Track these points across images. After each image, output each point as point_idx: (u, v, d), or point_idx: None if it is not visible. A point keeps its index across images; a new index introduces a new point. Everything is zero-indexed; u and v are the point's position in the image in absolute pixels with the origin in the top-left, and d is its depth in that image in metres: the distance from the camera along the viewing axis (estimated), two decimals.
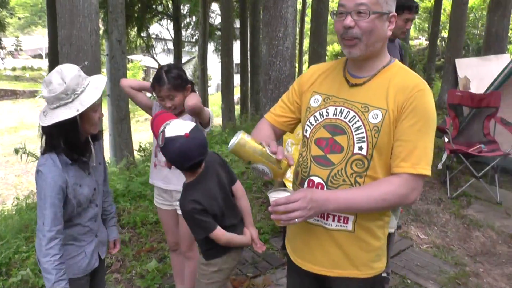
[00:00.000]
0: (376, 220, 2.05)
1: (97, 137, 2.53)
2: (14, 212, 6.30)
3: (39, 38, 43.55)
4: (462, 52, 11.58)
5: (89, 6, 4.26)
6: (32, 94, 32.01)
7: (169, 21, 20.87)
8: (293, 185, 2.19)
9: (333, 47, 29.74)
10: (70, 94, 2.21)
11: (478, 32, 25.25)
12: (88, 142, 2.45)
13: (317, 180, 2.01)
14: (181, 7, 20.37)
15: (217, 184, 2.69)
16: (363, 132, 1.93)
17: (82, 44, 4.33)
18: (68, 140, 2.28)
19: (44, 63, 37.96)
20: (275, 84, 5.79)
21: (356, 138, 1.94)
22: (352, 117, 1.97)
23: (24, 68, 39.56)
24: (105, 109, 11.53)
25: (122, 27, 9.58)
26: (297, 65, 23.79)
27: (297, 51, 23.93)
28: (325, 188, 1.98)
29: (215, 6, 21.97)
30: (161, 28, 22.64)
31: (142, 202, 5.41)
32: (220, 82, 28.84)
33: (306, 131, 2.10)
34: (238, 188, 2.87)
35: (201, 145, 2.45)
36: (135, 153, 9.76)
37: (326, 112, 2.05)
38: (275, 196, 1.84)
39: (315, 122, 2.07)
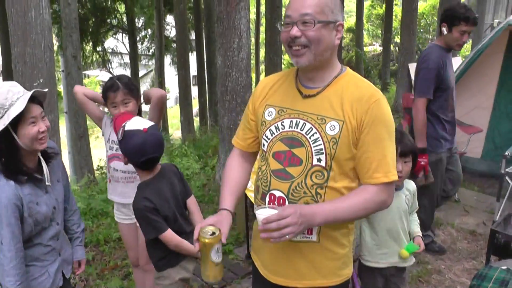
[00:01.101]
0: (340, 228, 2.07)
1: (49, 154, 2.45)
2: None
3: None
4: (415, 57, 11.85)
5: (42, 22, 4.21)
6: None
7: (124, 34, 20.74)
8: (255, 199, 2.20)
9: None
10: None
11: (430, 37, 25.90)
12: (39, 159, 2.40)
13: (278, 194, 2.03)
14: (136, 20, 20.28)
15: (170, 190, 2.70)
16: (321, 144, 1.95)
17: (36, 61, 4.27)
18: (7, 158, 2.23)
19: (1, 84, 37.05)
20: (232, 95, 5.83)
21: (315, 150, 1.95)
22: (308, 129, 1.98)
23: None
24: (63, 126, 11.37)
25: (77, 43, 9.46)
26: (254, 75, 23.97)
27: (253, 61, 24.11)
28: (286, 202, 1.99)
29: (170, 19, 21.89)
30: (117, 42, 22.46)
31: (104, 220, 5.35)
32: (178, 95, 28.78)
33: (264, 145, 2.10)
34: (192, 202, 2.89)
35: (157, 142, 2.54)
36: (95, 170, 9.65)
37: (282, 125, 2.05)
38: (263, 213, 1.82)
39: (271, 135, 2.07)
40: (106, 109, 3.42)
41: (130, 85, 3.19)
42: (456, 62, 9.22)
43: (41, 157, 2.41)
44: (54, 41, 14.73)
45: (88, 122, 10.07)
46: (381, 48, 20.67)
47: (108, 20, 18.67)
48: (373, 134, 1.93)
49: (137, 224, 3.21)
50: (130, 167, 3.12)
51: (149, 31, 21.74)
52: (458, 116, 6.54)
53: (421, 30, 25.72)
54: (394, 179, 1.95)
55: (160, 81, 17.22)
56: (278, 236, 1.77)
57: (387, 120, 1.96)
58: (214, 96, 15.36)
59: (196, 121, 18.17)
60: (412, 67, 9.98)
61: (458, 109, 6.61)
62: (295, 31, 1.90)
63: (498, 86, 6.69)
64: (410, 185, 3.11)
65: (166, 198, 2.65)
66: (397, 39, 23.33)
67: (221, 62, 5.84)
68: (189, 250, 2.73)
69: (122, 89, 3.12)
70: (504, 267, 2.87)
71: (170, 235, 2.64)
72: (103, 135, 3.49)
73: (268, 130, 2.09)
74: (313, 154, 1.96)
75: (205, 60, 16.38)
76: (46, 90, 2.40)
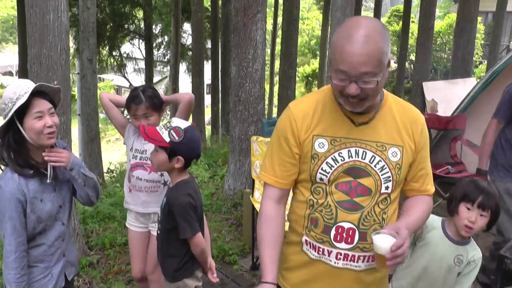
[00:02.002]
0: None
1: None
2: None
3: (9, 55, 42.78)
4: (429, 75, 11.82)
5: (59, 25, 4.23)
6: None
7: (141, 40, 20.87)
8: (307, 232, 2.06)
9: (304, 69, 30.05)
10: (7, 103, 2.21)
11: (446, 55, 25.84)
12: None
13: (347, 225, 1.96)
14: (153, 27, 20.39)
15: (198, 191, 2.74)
16: (388, 172, 1.95)
17: (52, 63, 4.28)
18: (15, 150, 2.27)
19: (15, 80, 37.36)
20: (244, 105, 5.84)
21: (383, 178, 1.95)
22: (371, 158, 1.94)
23: None
24: (75, 128, 11.43)
25: (93, 46, 9.53)
26: (268, 86, 24.01)
27: (268, 73, 24.15)
28: (356, 232, 1.96)
29: (187, 26, 21.99)
30: (133, 48, 22.60)
31: (111, 224, 5.35)
32: None
33: (322, 179, 1.97)
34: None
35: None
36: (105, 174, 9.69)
37: (340, 156, 1.95)
38: (384, 240, 1.84)
39: (331, 169, 1.95)
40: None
41: (153, 98, 3.17)
42: (471, 83, 9.23)
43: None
44: (71, 44, 14.87)
45: (100, 126, 10.13)
46: (396, 65, 20.68)
47: (126, 26, 18.80)
48: (425, 152, 2.07)
49: (152, 233, 3.31)
50: (155, 176, 3.23)
51: (166, 38, 21.87)
52: (471, 138, 6.55)
53: (437, 49, 25.69)
54: None
55: (174, 88, 17.25)
56: (401, 260, 1.84)
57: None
58: (227, 106, 15.39)
59: (208, 129, 18.21)
60: (426, 85, 10.00)
61: (471, 131, 6.63)
62: (354, 89, 1.77)
63: None
64: (474, 253, 2.69)
65: (200, 199, 2.70)
66: (412, 57, 23.30)
67: (235, 72, 5.86)
68: (207, 259, 2.78)
69: (144, 103, 3.12)
70: None
71: (201, 238, 2.66)
72: (124, 143, 3.47)
73: (324, 163, 1.96)
74: (382, 182, 1.96)
75: (219, 70, 16.44)
76: (57, 86, 2.41)
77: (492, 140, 4.03)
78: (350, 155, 1.95)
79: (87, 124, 9.67)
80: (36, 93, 2.25)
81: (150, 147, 3.20)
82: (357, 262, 2.01)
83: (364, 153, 1.95)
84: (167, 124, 2.59)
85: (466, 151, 6.64)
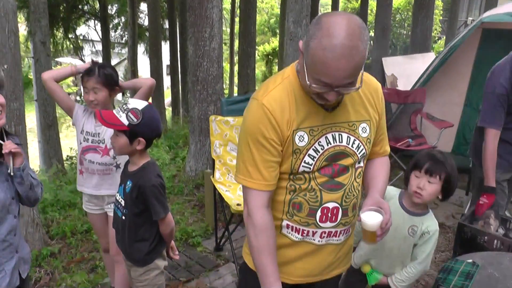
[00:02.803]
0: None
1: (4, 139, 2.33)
2: None
3: None
4: (388, 51, 11.93)
5: (5, 5, 4.05)
6: None
7: (96, 21, 20.43)
8: (291, 218, 2.04)
9: (264, 48, 29.93)
10: None
11: (405, 32, 26.12)
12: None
13: (332, 205, 1.98)
14: (109, 7, 19.96)
15: None
16: (363, 149, 2.00)
17: (0, 47, 4.14)
18: None
19: None
20: (202, 85, 5.77)
21: (360, 156, 2.00)
22: (347, 139, 1.95)
23: None
24: (33, 115, 11.14)
25: (46, 28, 9.21)
26: (229, 65, 23.87)
27: (228, 52, 24.00)
28: (340, 210, 1.99)
29: (143, 6, 21.60)
30: (89, 29, 22.11)
31: (71, 211, 5.24)
32: None
33: (304, 171, 1.92)
34: None
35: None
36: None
37: (320, 145, 1.91)
38: (372, 218, 1.93)
39: (313, 160, 1.92)
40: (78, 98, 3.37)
41: (107, 75, 3.13)
42: (429, 58, 9.34)
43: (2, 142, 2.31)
44: (24, 27, 14.45)
45: (58, 111, 9.89)
46: None
47: (80, 6, 18.34)
48: (383, 118, 2.12)
49: (108, 214, 3.33)
50: (107, 159, 3.24)
51: (122, 18, 21.46)
52: (430, 111, 6.65)
53: (396, 25, 25.92)
54: None
55: (133, 70, 17.00)
56: (386, 233, 1.99)
57: None
58: (187, 86, 15.23)
59: (169, 111, 18.03)
60: (386, 61, 10.08)
61: (431, 104, 6.74)
62: (334, 97, 1.75)
63: (470, 82, 6.77)
64: (429, 224, 2.72)
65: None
66: (371, 33, 23.51)
67: (192, 51, 5.76)
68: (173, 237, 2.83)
69: (96, 77, 3.09)
70: (469, 260, 2.86)
71: (171, 217, 2.69)
72: (73, 125, 3.41)
73: (306, 156, 1.91)
74: (359, 159, 2.01)
75: (178, 50, 16.23)
76: None
77: (494, 152, 3.64)
78: (328, 141, 1.93)
79: (43, 110, 9.41)
80: None
81: (103, 130, 3.19)
82: (338, 236, 2.08)
83: (340, 136, 1.94)
84: (124, 106, 2.52)
85: (426, 124, 6.76)
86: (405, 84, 8.88)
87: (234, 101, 4.78)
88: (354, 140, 1.96)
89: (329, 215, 1.99)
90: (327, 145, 1.92)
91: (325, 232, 2.03)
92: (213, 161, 4.45)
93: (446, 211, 5.68)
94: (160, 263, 2.78)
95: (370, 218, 1.91)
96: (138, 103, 2.53)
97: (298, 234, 2.04)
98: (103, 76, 3.11)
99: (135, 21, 17.20)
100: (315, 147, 1.91)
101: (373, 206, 1.94)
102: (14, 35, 4.26)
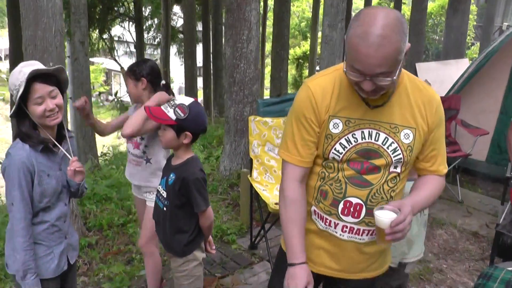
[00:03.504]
0: None
1: (63, 134, 2.51)
2: None
3: None
4: (422, 57, 11.81)
5: (53, 7, 4.20)
6: None
7: (131, 23, 20.70)
8: (317, 203, 2.13)
9: (294, 51, 29.91)
10: (13, 90, 2.28)
11: (437, 37, 25.82)
12: (60, 134, 2.48)
13: (355, 201, 2.02)
14: (143, 9, 20.22)
15: None
16: (400, 154, 1.98)
17: (47, 45, 4.26)
18: (23, 125, 2.34)
19: (3, 65, 36.79)
20: (239, 86, 5.84)
21: (395, 160, 1.99)
22: (384, 139, 1.97)
23: None
24: (68, 112, 11.35)
25: (85, 29, 9.43)
26: (259, 68, 23.89)
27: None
28: (364, 208, 2.02)
29: (176, 9, 21.86)
30: (123, 30, 22.41)
31: (108, 205, 5.36)
32: (182, 85, 28.61)
33: (334, 158, 2.01)
34: None
35: None
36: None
37: (354, 137, 1.97)
38: (385, 216, 1.87)
39: (344, 149, 1.99)
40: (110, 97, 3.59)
41: (131, 68, 3.41)
42: (463, 64, 9.25)
43: (66, 134, 2.50)
44: None
45: (95, 109, 10.06)
46: None
47: (116, 8, 18.62)
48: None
49: (147, 204, 3.49)
50: (137, 151, 3.43)
51: (156, 20, 21.71)
52: (466, 118, 6.60)
53: (428, 30, 25.66)
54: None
55: (165, 71, 17.18)
56: (401, 236, 1.86)
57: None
58: (219, 88, 15.37)
59: None
60: (419, 66, 10.01)
61: (465, 112, 6.69)
62: (369, 86, 1.79)
63: (506, 90, 6.68)
64: None
65: None
66: None
67: (229, 53, 5.84)
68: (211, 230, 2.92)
69: (124, 73, 3.47)
70: (510, 268, 2.86)
71: (211, 210, 2.79)
72: None
73: (337, 144, 1.99)
74: (393, 163, 2.00)
75: (211, 52, 16.35)
76: (58, 66, 2.41)
77: None
78: (363, 136, 1.97)
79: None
80: (36, 77, 2.27)
81: None
82: (362, 235, 2.08)
83: (377, 134, 1.97)
84: (171, 102, 2.63)
85: (461, 131, 6.70)
86: (438, 91, 8.68)
87: (270, 103, 4.84)
88: (392, 142, 1.96)
89: (351, 210, 2.03)
90: (361, 139, 1.97)
91: (346, 227, 2.07)
92: (251, 160, 4.51)
93: (480, 220, 5.65)
94: (198, 255, 2.87)
95: (383, 214, 1.87)
96: (184, 99, 2.64)
97: (322, 222, 2.13)
98: (129, 68, 3.42)
99: (168, 22, 17.39)
100: (348, 137, 1.97)
101: (393, 207, 1.89)
102: (60, 35, 4.39)
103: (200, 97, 19.17)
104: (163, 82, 3.44)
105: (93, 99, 13.38)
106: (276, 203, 3.99)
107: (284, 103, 4.75)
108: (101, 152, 10.11)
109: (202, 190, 2.66)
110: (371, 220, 2.02)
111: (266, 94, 20.81)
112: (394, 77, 1.77)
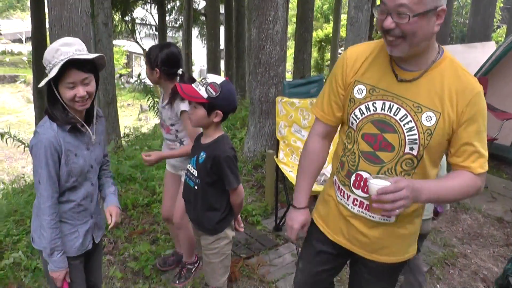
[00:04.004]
0: (417, 209, 2.13)
1: (92, 114, 2.49)
2: (0, 197, 6.24)
3: (18, 22, 42.45)
4: (448, 39, 11.65)
5: None
6: (13, 79, 31.33)
7: (153, 5, 20.67)
8: (337, 173, 2.21)
9: (317, 34, 29.65)
10: (47, 64, 2.25)
11: (462, 20, 25.41)
12: (89, 115, 2.47)
13: (365, 175, 2.04)
14: None
15: None
16: (415, 134, 1.92)
17: (73, 25, 4.28)
18: (53, 104, 2.32)
19: (25, 47, 37.13)
20: (264, 67, 5.81)
21: (408, 139, 1.93)
22: (403, 116, 1.94)
23: (3, 53, 38.52)
24: None
25: (108, 10, 9.44)
26: None
27: None
28: None
29: None
30: (146, 13, 22.40)
31: (132, 185, 5.39)
32: (203, 67, 28.57)
33: (352, 123, 2.07)
34: None
35: None
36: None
37: (374, 106, 1.99)
38: (377, 183, 1.81)
39: (361, 115, 2.02)
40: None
41: (149, 55, 3.37)
42: (490, 48, 9.08)
43: (95, 114, 2.49)
44: None
45: (116, 91, 10.13)
46: None
47: None
48: (473, 127, 1.90)
49: (182, 180, 3.48)
50: (170, 136, 3.50)
51: (178, 2, 21.64)
52: (492, 102, 6.49)
53: (454, 13, 25.25)
54: (487, 168, 1.97)
55: (187, 53, 17.17)
56: (390, 208, 1.77)
57: (485, 114, 1.94)
58: (241, 70, 15.32)
59: None
60: (445, 49, 9.87)
61: (492, 95, 6.58)
62: (389, 22, 1.81)
63: None
64: None
65: None
66: None
67: (255, 34, 5.81)
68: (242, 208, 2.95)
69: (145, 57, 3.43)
70: None
71: (242, 187, 2.79)
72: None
73: (357, 109, 2.03)
74: (407, 142, 1.94)
75: (233, 34, 16.29)
76: (98, 55, 2.35)
77: None
78: (383, 107, 1.97)
79: (104, 88, 9.63)
80: (72, 63, 2.22)
81: (163, 110, 3.46)
82: (370, 211, 2.10)
83: (398, 109, 1.94)
84: (203, 80, 2.61)
85: (488, 115, 6.59)
86: None
87: (296, 84, 4.81)
88: (410, 121, 1.92)
89: (362, 184, 2.06)
90: (380, 110, 1.98)
91: (357, 200, 2.11)
92: (277, 141, 4.50)
93: (505, 205, 5.59)
94: (229, 233, 2.88)
95: (376, 182, 1.83)
96: (216, 78, 2.61)
97: (338, 192, 2.20)
98: (146, 54, 3.39)
99: (190, 5, 17.32)
100: (367, 105, 2.01)
101: (392, 179, 1.82)
102: (86, 16, 4.40)
103: None
104: (180, 71, 3.37)
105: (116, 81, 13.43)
106: None
107: (310, 85, 4.73)
108: (123, 133, 10.16)
109: (233, 167, 2.66)
110: None
111: (288, 76, 20.69)
112: (412, 14, 1.75)
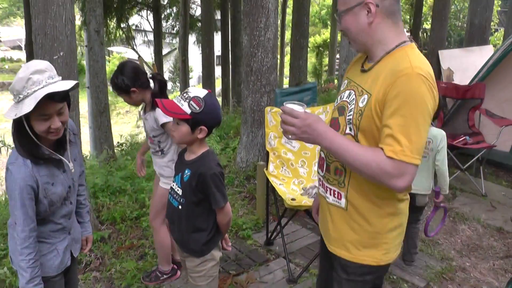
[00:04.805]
0: (369, 204, 2.07)
1: (64, 140, 2.36)
2: None
3: (18, 29, 42.50)
4: (445, 43, 11.56)
5: None
6: None
7: (149, 11, 20.61)
8: None
9: (315, 39, 29.63)
10: (16, 95, 2.09)
11: (460, 23, 25.36)
12: (61, 140, 2.33)
13: (322, 154, 2.23)
14: None
15: None
16: (351, 115, 2.02)
17: (57, 34, 4.16)
18: (22, 140, 2.18)
19: (24, 54, 37.14)
20: (256, 75, 5.70)
21: (347, 119, 2.04)
22: (352, 100, 2.07)
23: (3, 60, 38.47)
24: (85, 101, 11.35)
25: (100, 17, 9.36)
26: (279, 56, 23.73)
27: (279, 43, 23.85)
28: (325, 162, 2.18)
29: None
30: (141, 19, 22.35)
31: (121, 198, 5.26)
32: (201, 74, 28.59)
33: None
34: None
35: None
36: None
37: (342, 94, 2.18)
38: (290, 105, 1.98)
39: (336, 104, 2.24)
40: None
41: (115, 85, 3.39)
42: (488, 51, 8.99)
43: (67, 138, 2.37)
44: (78, 16, 14.70)
45: (110, 98, 10.04)
46: (409, 34, 20.27)
47: None
48: (391, 109, 1.84)
49: (159, 185, 3.63)
50: (153, 145, 3.57)
51: (174, 9, 21.59)
52: (490, 107, 6.38)
53: (451, 16, 25.20)
54: (403, 159, 1.81)
55: (183, 60, 17.09)
56: (283, 128, 1.98)
57: (413, 97, 1.82)
58: (238, 76, 15.20)
59: (219, 101, 18.05)
60: (442, 54, 9.77)
61: (490, 101, 6.47)
62: (338, 27, 2.11)
63: None
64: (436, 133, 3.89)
65: None
66: (425, 25, 22.90)
67: (247, 41, 5.69)
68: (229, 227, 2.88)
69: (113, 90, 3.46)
70: None
71: (229, 206, 2.67)
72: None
73: (336, 99, 2.26)
74: (346, 123, 2.05)
75: (229, 40, 16.21)
76: (73, 84, 2.17)
77: None
78: (346, 95, 2.14)
79: (96, 97, 9.55)
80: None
81: (145, 122, 3.50)
82: (327, 192, 2.20)
83: (351, 95, 2.10)
84: (184, 95, 2.47)
85: (485, 122, 6.50)
86: (461, 78, 8.58)
87: (288, 93, 4.69)
88: (354, 103, 2.04)
89: (321, 162, 2.24)
90: (345, 98, 2.14)
91: (320, 180, 2.25)
92: (267, 153, 4.36)
93: (505, 214, 5.46)
94: (216, 254, 2.74)
95: (290, 104, 1.99)
96: (198, 91, 2.48)
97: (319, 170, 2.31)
98: (114, 87, 3.41)
99: (187, 11, 17.25)
100: (342, 95, 2.19)
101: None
102: (70, 23, 4.30)
103: (219, 86, 19.11)
104: (149, 75, 3.43)
105: (110, 88, 13.35)
106: (292, 199, 3.83)
107: (302, 93, 4.61)
108: (117, 142, 10.04)
109: (220, 185, 2.53)
110: (329, 177, 2.16)
111: (286, 82, 20.63)
112: (343, 15, 2.01)
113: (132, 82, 3.34)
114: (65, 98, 2.19)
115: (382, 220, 2.09)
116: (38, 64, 2.14)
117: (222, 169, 2.59)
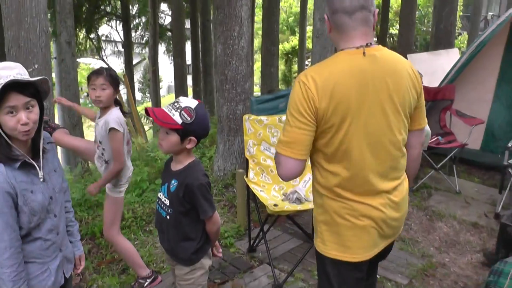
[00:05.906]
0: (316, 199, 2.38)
1: (38, 146, 2.27)
2: None
3: None
4: (413, 48, 11.79)
5: (37, 5, 4.05)
6: None
7: (118, 22, 20.51)
8: None
9: (284, 46, 29.77)
10: None
11: (425, 28, 25.87)
12: (35, 146, 2.25)
13: None
14: (130, 7, 20.01)
15: None
16: None
17: (31, 46, 4.13)
18: None
19: None
20: (231, 84, 5.71)
21: None
22: None
23: None
24: (56, 115, 11.19)
25: (71, 29, 9.25)
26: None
27: None
28: None
29: (164, 6, 21.68)
30: (111, 30, 22.22)
31: (100, 211, 5.20)
32: (171, 84, 28.41)
33: None
34: None
35: None
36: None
37: None
38: None
39: None
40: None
41: (113, 76, 3.49)
42: (454, 54, 9.18)
43: (42, 145, 2.27)
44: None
45: None
46: (376, 39, 20.54)
47: (102, 7, 18.41)
48: None
49: (106, 192, 3.68)
50: (98, 152, 3.59)
51: (143, 18, 21.51)
52: (460, 108, 6.54)
53: (416, 21, 25.65)
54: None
55: (154, 70, 17.03)
56: None
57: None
58: (209, 86, 15.21)
59: None
60: (411, 58, 9.92)
61: (461, 102, 6.62)
62: None
63: (499, 78, 6.71)
64: None
65: None
66: (391, 30, 23.23)
67: (220, 50, 5.70)
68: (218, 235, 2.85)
69: (104, 75, 3.43)
70: None
71: (218, 215, 2.66)
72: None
73: None
74: None
75: (200, 49, 16.19)
76: (42, 77, 2.16)
77: None
78: None
79: (68, 110, 9.44)
80: (13, 86, 2.01)
81: (97, 126, 3.54)
82: None
83: None
84: (176, 104, 2.47)
85: (455, 122, 6.65)
86: (430, 81, 8.70)
87: (263, 100, 4.70)
88: None
89: None
90: None
91: None
92: (247, 161, 4.38)
93: (479, 210, 5.58)
94: (205, 263, 2.75)
95: None
96: (190, 102, 2.49)
97: None
98: (110, 76, 3.45)
99: (156, 21, 17.23)
100: None
101: None
102: (45, 35, 4.26)
103: (190, 95, 19.05)
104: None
105: (81, 100, 13.19)
106: (274, 205, 3.85)
107: (278, 100, 4.62)
108: None
109: (207, 195, 2.54)
110: None
111: (256, 90, 20.67)
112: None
113: (115, 82, 3.50)
114: (35, 96, 2.12)
115: (317, 210, 2.33)
116: (9, 62, 2.10)
117: (209, 179, 2.60)
